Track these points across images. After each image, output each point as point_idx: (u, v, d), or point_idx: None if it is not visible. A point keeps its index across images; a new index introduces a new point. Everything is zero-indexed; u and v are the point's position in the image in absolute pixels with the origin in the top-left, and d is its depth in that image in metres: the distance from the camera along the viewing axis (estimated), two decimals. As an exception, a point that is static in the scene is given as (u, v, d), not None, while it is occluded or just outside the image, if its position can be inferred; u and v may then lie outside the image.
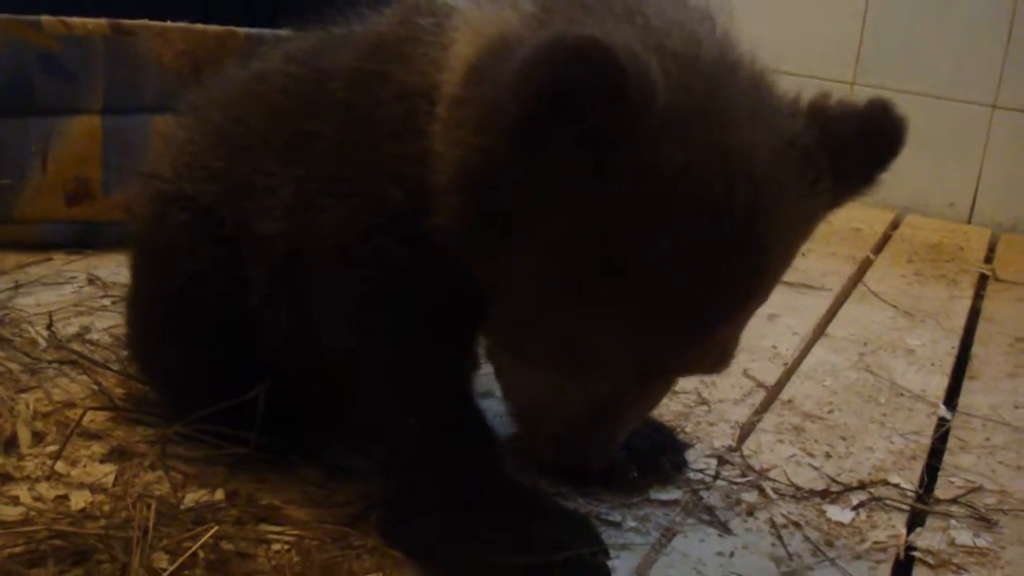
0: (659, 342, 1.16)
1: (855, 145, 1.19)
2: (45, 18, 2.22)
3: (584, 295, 1.11)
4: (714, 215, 1.08)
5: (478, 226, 1.16)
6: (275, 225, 1.37)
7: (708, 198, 1.07)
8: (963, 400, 1.98)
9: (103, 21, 2.26)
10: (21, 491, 1.39)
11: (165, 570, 1.24)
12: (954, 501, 1.59)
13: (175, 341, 1.50)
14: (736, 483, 1.58)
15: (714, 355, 1.23)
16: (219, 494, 1.42)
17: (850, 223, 3.04)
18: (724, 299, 1.15)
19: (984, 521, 1.54)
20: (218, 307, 1.43)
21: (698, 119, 1.08)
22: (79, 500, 1.38)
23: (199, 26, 2.33)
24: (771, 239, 1.14)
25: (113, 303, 1.98)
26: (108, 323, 1.90)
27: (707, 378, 1.88)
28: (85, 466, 1.47)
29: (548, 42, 1.02)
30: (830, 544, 1.45)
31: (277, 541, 1.33)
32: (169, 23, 2.32)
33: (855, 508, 1.54)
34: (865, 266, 2.74)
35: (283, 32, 1.68)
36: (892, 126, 1.21)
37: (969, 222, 3.30)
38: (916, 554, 1.45)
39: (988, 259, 2.95)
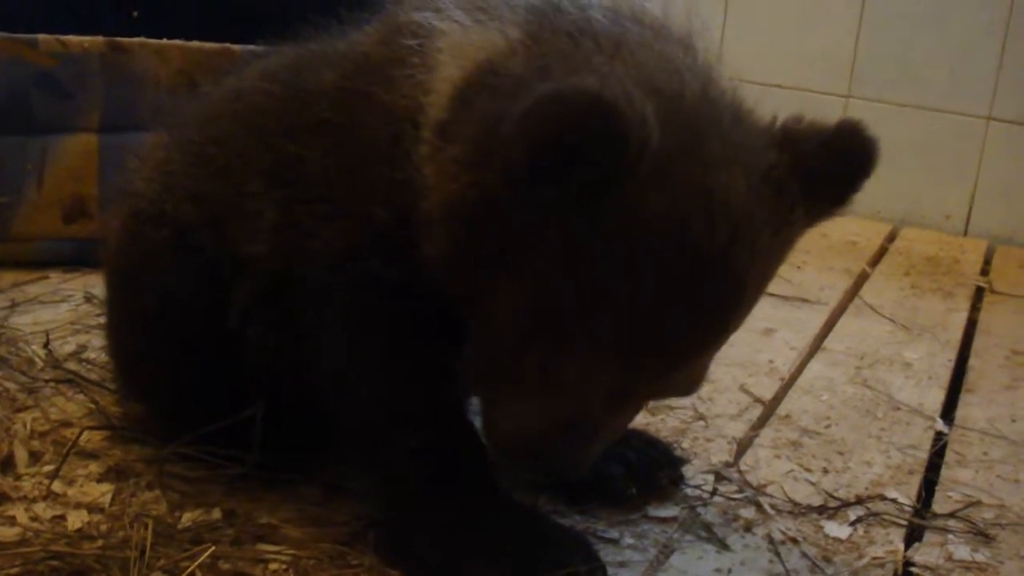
0: (634, 372, 1.19)
1: (825, 169, 1.21)
2: (41, 36, 2.22)
3: (564, 328, 1.14)
4: (695, 255, 1.11)
5: (464, 258, 1.18)
6: (260, 247, 1.36)
7: (689, 238, 1.10)
8: (960, 413, 1.98)
9: (99, 39, 2.27)
10: (18, 511, 1.39)
11: (162, 590, 1.24)
12: (952, 516, 1.59)
13: (157, 364, 1.49)
14: (734, 499, 1.58)
15: (685, 382, 1.26)
16: (216, 513, 1.41)
17: (846, 236, 3.04)
18: (699, 332, 1.18)
19: (982, 536, 1.54)
20: (199, 328, 1.42)
21: (682, 159, 1.10)
22: (76, 520, 1.38)
23: (195, 43, 2.34)
24: (747, 274, 1.17)
25: (104, 319, 1.98)
26: (105, 341, 1.89)
27: (703, 394, 1.88)
28: (82, 486, 1.47)
29: (553, 94, 1.04)
30: (828, 560, 1.45)
31: (274, 560, 1.33)
32: (166, 41, 2.33)
33: (853, 524, 1.54)
34: (861, 279, 2.74)
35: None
36: (862, 147, 1.22)
37: (965, 234, 3.31)
38: (914, 570, 1.45)
39: (984, 271, 2.95)
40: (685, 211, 1.10)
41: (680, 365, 1.21)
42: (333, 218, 1.29)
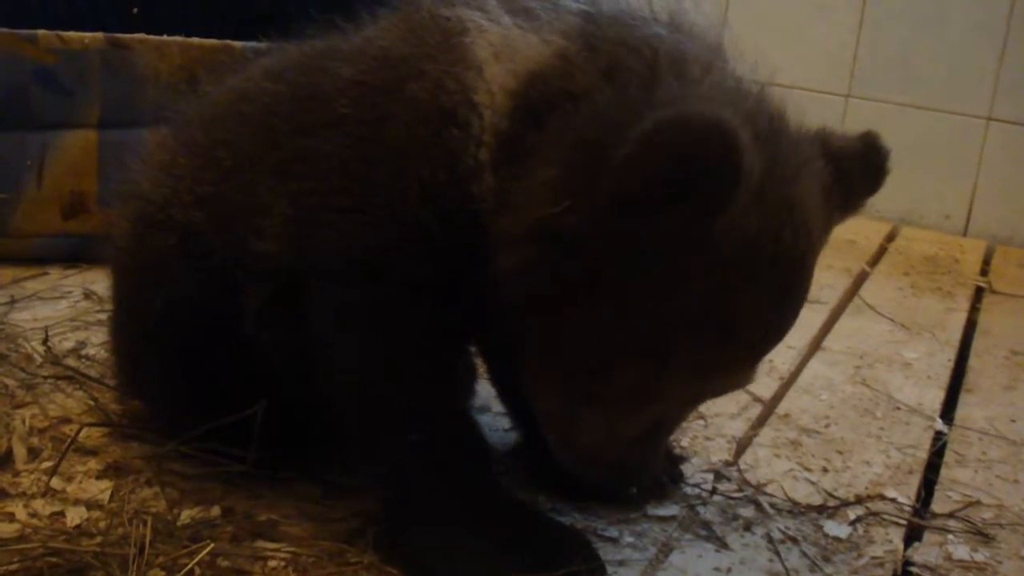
0: (724, 380, 1.26)
1: (857, 176, 1.30)
2: (42, 32, 2.22)
3: (662, 346, 1.18)
4: (785, 264, 1.18)
5: (547, 277, 1.19)
6: (270, 244, 1.34)
7: (781, 249, 1.16)
8: (959, 413, 1.98)
9: (100, 35, 2.27)
10: (17, 508, 1.39)
11: (161, 587, 1.24)
12: (951, 515, 1.59)
13: (162, 365, 1.48)
14: (733, 498, 1.58)
15: (750, 377, 1.30)
16: (215, 510, 1.41)
17: (846, 235, 3.03)
18: (778, 332, 1.25)
19: (981, 535, 1.54)
20: (205, 332, 1.41)
21: (768, 176, 1.13)
22: (75, 517, 1.38)
23: (196, 40, 2.33)
24: (812, 274, 1.25)
25: (109, 318, 1.98)
26: (104, 338, 1.88)
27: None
28: (81, 482, 1.46)
29: (675, 121, 1.05)
30: (827, 559, 1.45)
31: (273, 558, 1.33)
32: (166, 37, 2.32)
33: (852, 523, 1.54)
34: (861, 279, 2.74)
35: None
36: (883, 157, 1.32)
37: (965, 234, 3.30)
38: (913, 569, 1.45)
39: (984, 271, 2.95)
40: (777, 225, 1.15)
41: (756, 364, 1.27)
42: (354, 211, 1.28)
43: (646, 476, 1.38)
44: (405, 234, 1.26)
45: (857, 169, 1.30)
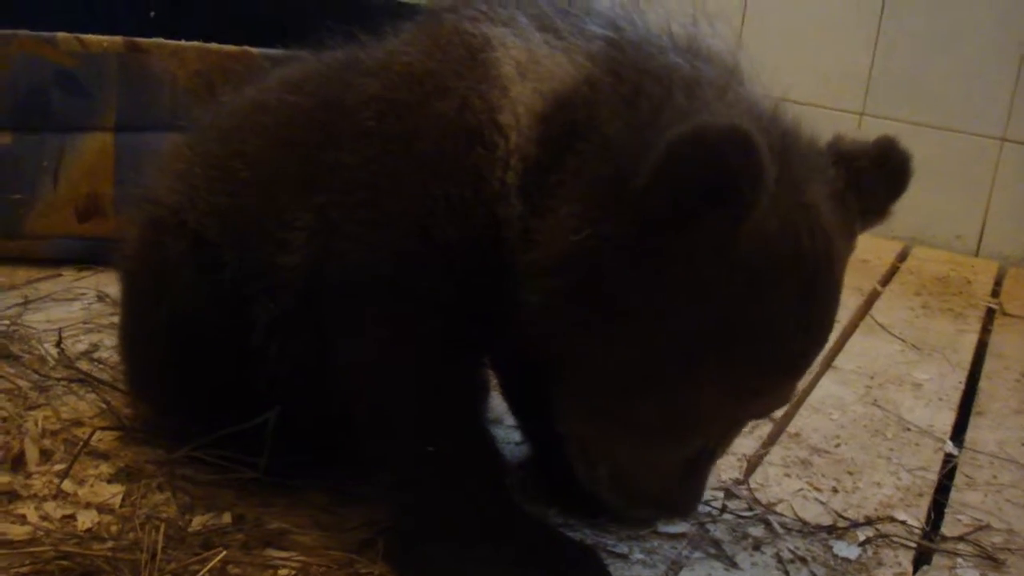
0: (766, 398, 1.26)
1: (874, 182, 1.29)
2: (61, 35, 2.23)
3: (694, 365, 1.18)
4: (807, 267, 1.17)
5: (576, 307, 1.19)
6: (293, 257, 1.34)
7: (801, 252, 1.16)
8: (970, 436, 1.97)
9: (118, 39, 2.27)
10: (28, 510, 1.39)
11: (172, 594, 1.24)
12: (961, 539, 1.59)
13: (169, 372, 1.48)
14: (743, 517, 1.58)
15: (789, 395, 1.31)
16: (226, 517, 1.42)
17: (857, 254, 2.98)
18: (813, 344, 1.25)
19: (991, 560, 1.54)
20: (214, 343, 1.41)
21: (782, 181, 1.13)
22: (86, 520, 1.39)
23: (214, 45, 2.34)
24: (841, 280, 1.26)
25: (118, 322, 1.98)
26: (117, 343, 1.89)
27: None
28: (92, 486, 1.47)
29: (698, 132, 1.06)
30: (837, 581, 1.45)
31: (284, 566, 1.33)
32: (184, 42, 2.33)
33: (862, 544, 1.54)
34: (872, 298, 2.74)
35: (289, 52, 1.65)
36: (902, 161, 1.31)
37: (977, 255, 3.30)
38: (923, 592, 1.45)
39: (995, 292, 2.95)
40: (795, 228, 1.15)
41: (795, 379, 1.27)
42: (379, 225, 1.28)
43: (695, 509, 1.37)
44: (431, 251, 1.26)
45: (874, 173, 1.29)
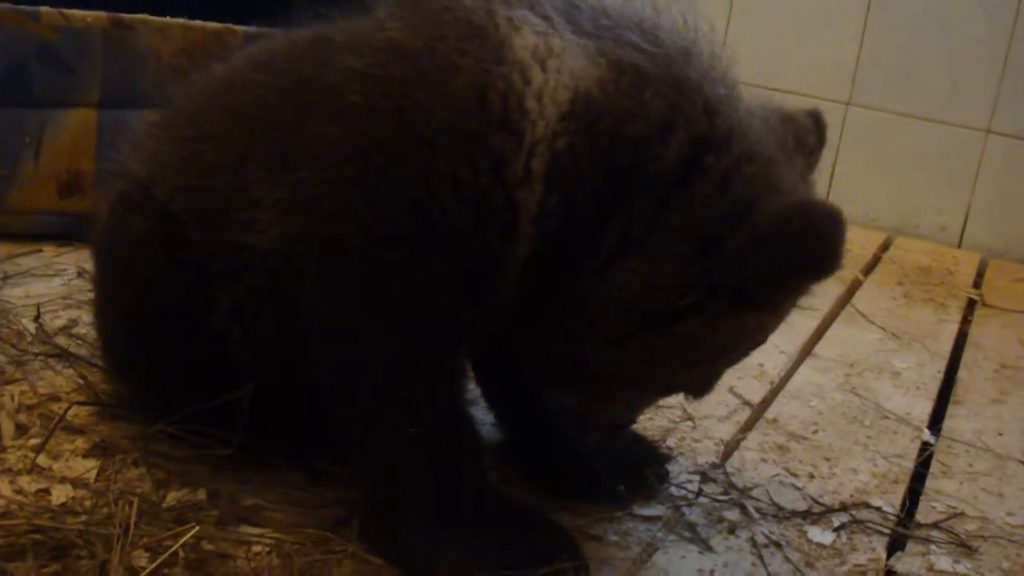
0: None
1: (815, 151, 1.40)
2: (44, 9, 2.21)
3: (706, 366, 1.35)
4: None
5: (632, 345, 1.28)
6: (261, 237, 1.31)
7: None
8: (947, 425, 1.98)
9: (102, 14, 2.26)
10: (2, 484, 1.39)
11: (144, 568, 1.24)
12: (935, 526, 1.59)
13: (140, 349, 1.47)
14: (719, 500, 1.59)
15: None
16: (201, 493, 1.41)
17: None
18: None
19: (964, 547, 1.55)
20: (182, 320, 1.39)
21: None
22: (60, 495, 1.38)
23: (198, 23, 2.33)
24: None
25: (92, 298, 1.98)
26: (92, 319, 1.89)
27: (693, 394, 1.89)
28: (68, 460, 1.46)
29: (804, 210, 1.19)
30: (810, 565, 1.45)
31: (258, 543, 1.33)
32: (168, 19, 2.32)
33: (836, 530, 1.54)
34: (854, 287, 2.74)
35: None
36: (824, 129, 1.43)
37: (959, 246, 3.31)
38: (895, 578, 1.46)
39: (977, 284, 2.96)
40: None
41: None
42: (373, 203, 1.24)
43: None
44: (427, 230, 1.23)
45: (815, 143, 1.40)
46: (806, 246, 1.17)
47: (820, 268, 1.19)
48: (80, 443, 1.51)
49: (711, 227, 1.20)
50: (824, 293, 2.60)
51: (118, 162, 1.54)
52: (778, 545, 1.49)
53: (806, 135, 1.37)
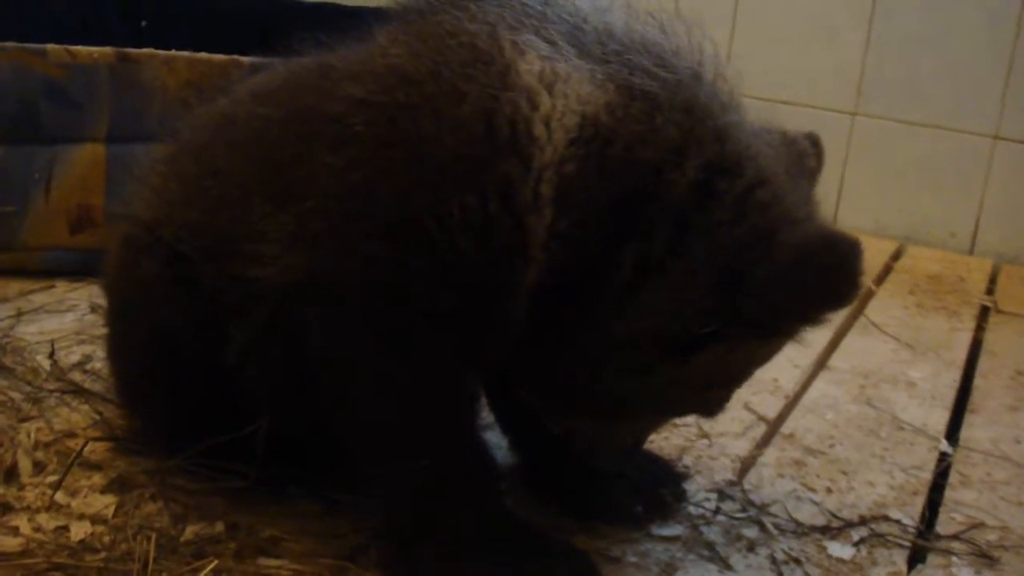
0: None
1: (815, 173, 1.41)
2: (51, 46, 2.23)
3: (716, 391, 1.38)
4: None
5: (650, 372, 1.29)
6: (268, 270, 1.30)
7: None
8: (964, 434, 1.97)
9: (108, 50, 2.27)
10: (21, 521, 1.39)
11: (165, 604, 1.24)
12: (955, 537, 1.58)
13: (154, 386, 1.47)
14: (737, 518, 1.58)
15: None
16: (219, 526, 1.41)
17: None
18: None
19: (986, 558, 1.54)
20: (195, 359, 1.39)
21: None
22: (79, 531, 1.38)
23: (204, 55, 2.34)
24: None
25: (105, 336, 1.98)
26: (105, 357, 1.89)
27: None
28: (85, 496, 1.47)
29: (829, 242, 1.20)
30: (831, 581, 1.44)
31: (277, 575, 1.33)
32: (174, 52, 2.33)
33: (856, 544, 1.54)
34: (866, 297, 2.73)
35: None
36: (823, 152, 1.43)
37: (971, 253, 3.30)
38: (917, 591, 1.45)
39: (990, 290, 2.94)
40: None
41: None
42: (378, 235, 1.23)
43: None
44: (435, 260, 1.22)
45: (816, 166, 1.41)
46: (831, 280, 1.18)
47: (844, 299, 1.20)
48: (97, 479, 1.51)
49: (731, 256, 1.20)
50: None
51: (124, 203, 1.54)
52: (798, 561, 1.48)
53: (807, 158, 1.37)
